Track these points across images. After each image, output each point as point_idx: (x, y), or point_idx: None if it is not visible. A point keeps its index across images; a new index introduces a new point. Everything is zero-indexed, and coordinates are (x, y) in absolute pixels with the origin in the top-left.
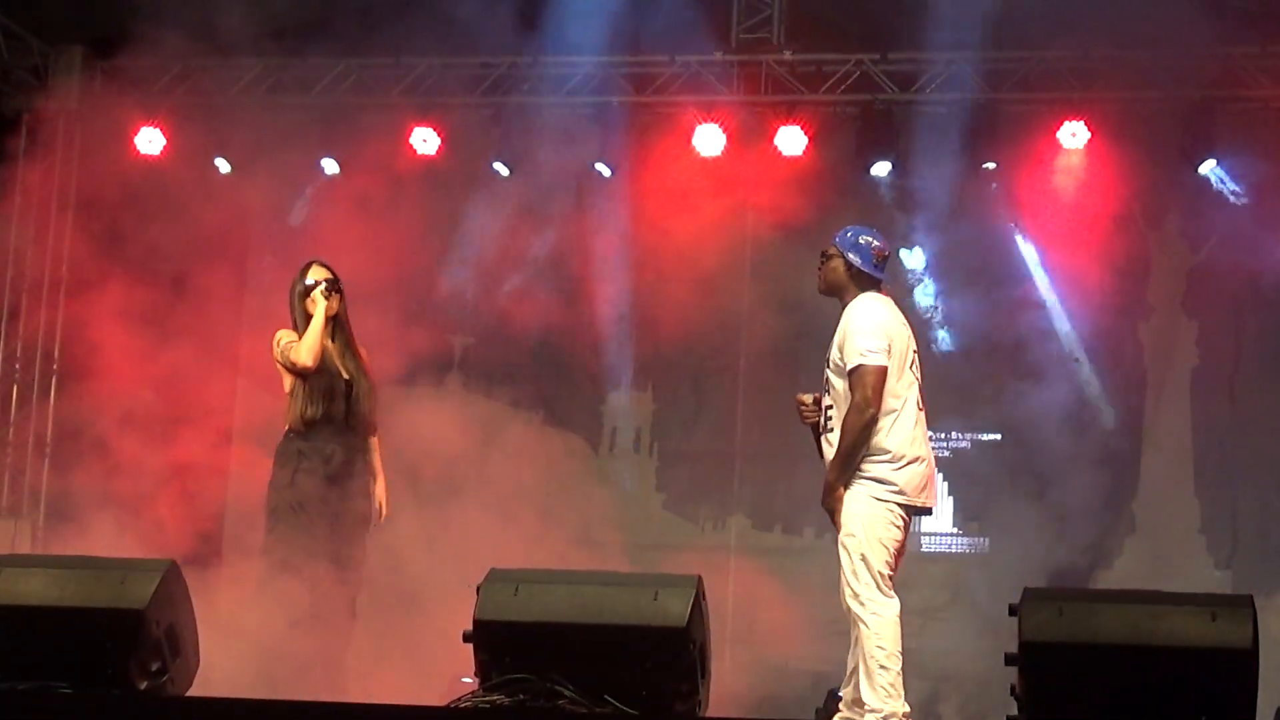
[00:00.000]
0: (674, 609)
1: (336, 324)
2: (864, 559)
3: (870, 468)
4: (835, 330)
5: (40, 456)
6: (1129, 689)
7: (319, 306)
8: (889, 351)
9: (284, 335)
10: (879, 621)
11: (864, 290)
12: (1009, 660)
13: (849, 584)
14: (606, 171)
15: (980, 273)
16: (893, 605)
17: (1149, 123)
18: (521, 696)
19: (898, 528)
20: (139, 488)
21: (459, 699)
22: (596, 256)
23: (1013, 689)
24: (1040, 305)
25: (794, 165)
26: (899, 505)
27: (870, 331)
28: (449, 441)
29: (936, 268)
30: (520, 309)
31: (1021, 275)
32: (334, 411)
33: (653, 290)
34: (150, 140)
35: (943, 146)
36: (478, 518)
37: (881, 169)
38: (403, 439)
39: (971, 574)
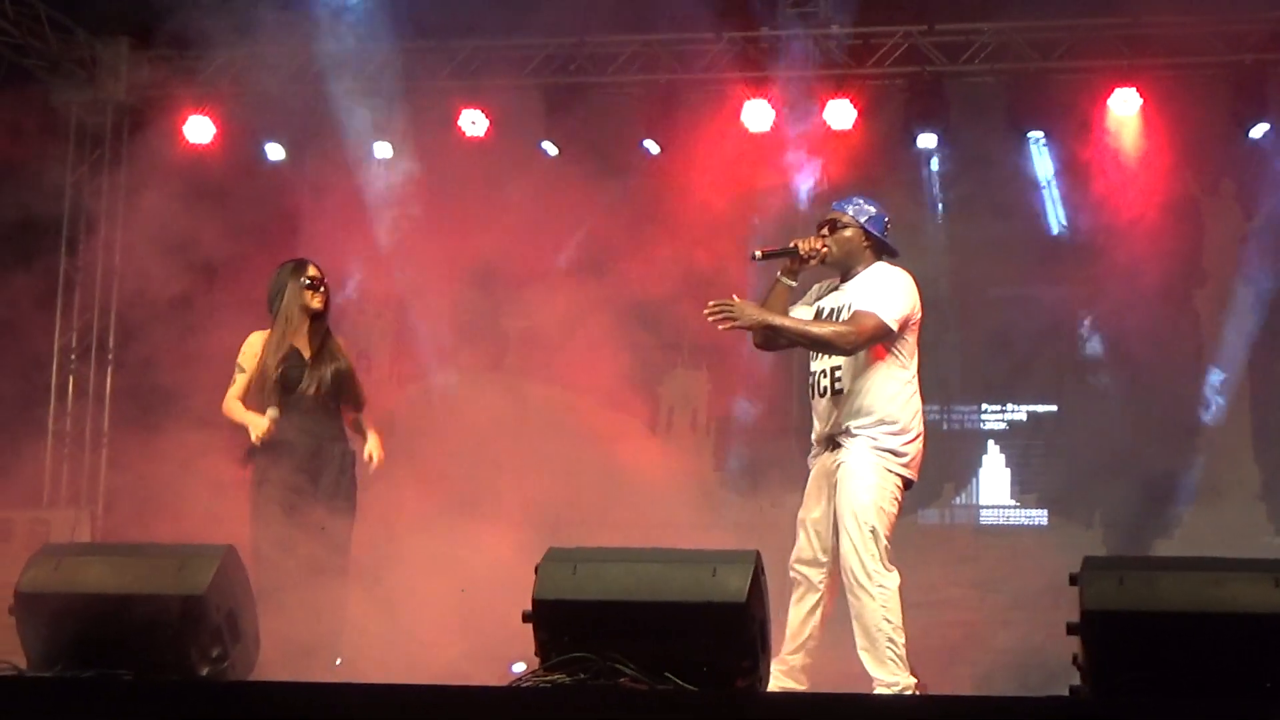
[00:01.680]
0: (733, 584)
1: (316, 317)
2: (873, 530)
3: (883, 438)
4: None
5: (98, 446)
6: (1192, 656)
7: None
8: (907, 328)
9: (252, 341)
10: (885, 594)
11: (879, 259)
12: (1070, 630)
13: (855, 554)
14: (655, 149)
15: (1032, 242)
16: (895, 578)
17: (1201, 88)
18: (582, 675)
19: (897, 500)
20: (196, 475)
21: (519, 678)
22: (646, 235)
23: (1075, 659)
24: (1093, 274)
25: (843, 139)
26: (902, 478)
27: (904, 300)
28: (505, 424)
29: (987, 239)
30: (571, 290)
31: (1073, 244)
32: (299, 404)
33: (704, 268)
34: (199, 128)
35: (992, 117)
36: (535, 500)
37: (931, 141)
38: (458, 423)
39: (1030, 546)
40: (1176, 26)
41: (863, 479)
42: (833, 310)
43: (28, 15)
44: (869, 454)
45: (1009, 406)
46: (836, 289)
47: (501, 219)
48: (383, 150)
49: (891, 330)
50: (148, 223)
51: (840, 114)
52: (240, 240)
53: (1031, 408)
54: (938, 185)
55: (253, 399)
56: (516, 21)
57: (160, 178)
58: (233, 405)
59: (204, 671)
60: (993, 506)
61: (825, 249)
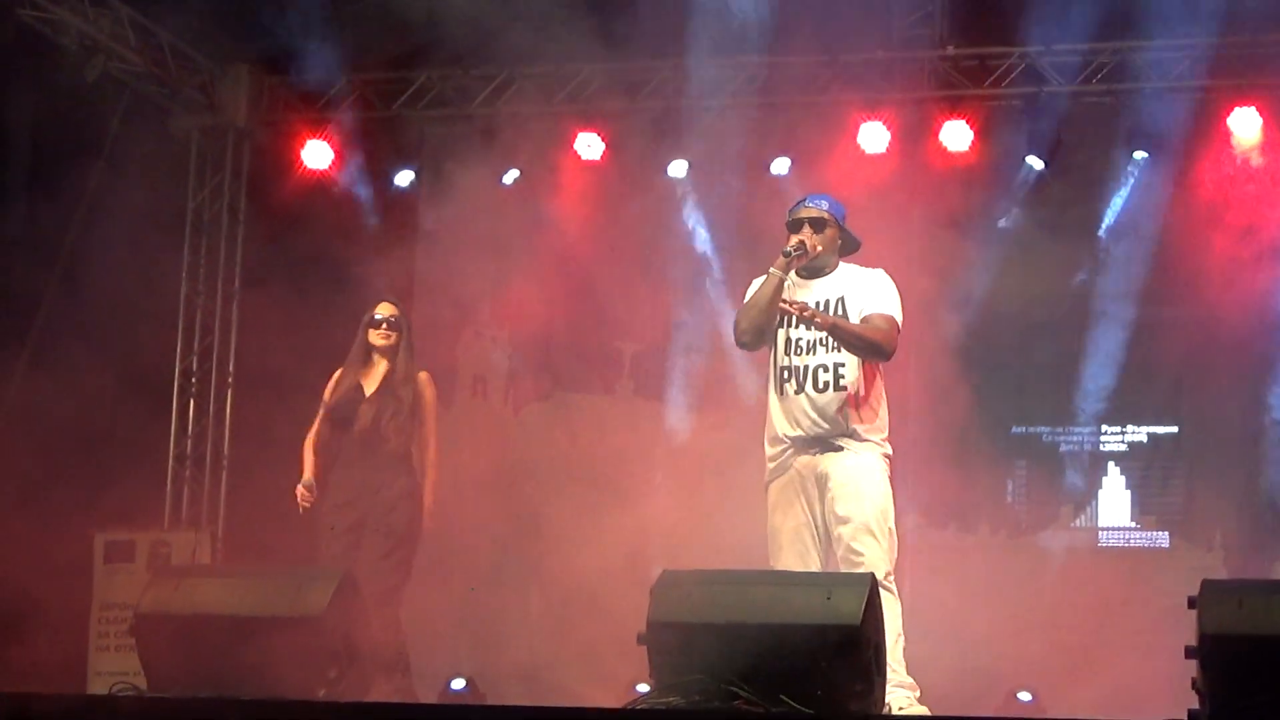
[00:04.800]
0: (848, 608)
1: (385, 354)
2: (891, 532)
3: (884, 444)
4: (833, 291)
5: (218, 469)
6: None
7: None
8: None
9: (335, 376)
10: (898, 596)
11: (843, 256)
12: (1189, 653)
13: (882, 558)
14: (772, 172)
15: (1151, 262)
16: None
17: None
18: (696, 698)
19: None
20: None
21: (634, 701)
22: (764, 258)
23: (1194, 682)
24: (1212, 295)
25: (960, 161)
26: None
27: (900, 302)
28: (621, 447)
29: (1106, 259)
30: (689, 314)
31: (1195, 264)
32: (352, 440)
33: None
34: (317, 154)
35: (1111, 137)
36: (651, 521)
37: (1046, 162)
38: (574, 445)
39: (1149, 568)
40: None
41: (878, 483)
42: (815, 304)
43: (150, 44)
44: (878, 459)
45: (1129, 428)
46: (801, 285)
47: (618, 242)
48: (505, 174)
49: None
50: (267, 247)
51: (956, 135)
52: (359, 265)
53: (1152, 429)
54: (1055, 205)
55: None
56: (631, 45)
57: (279, 203)
58: (305, 445)
59: (321, 693)
60: (1112, 529)
61: (818, 249)
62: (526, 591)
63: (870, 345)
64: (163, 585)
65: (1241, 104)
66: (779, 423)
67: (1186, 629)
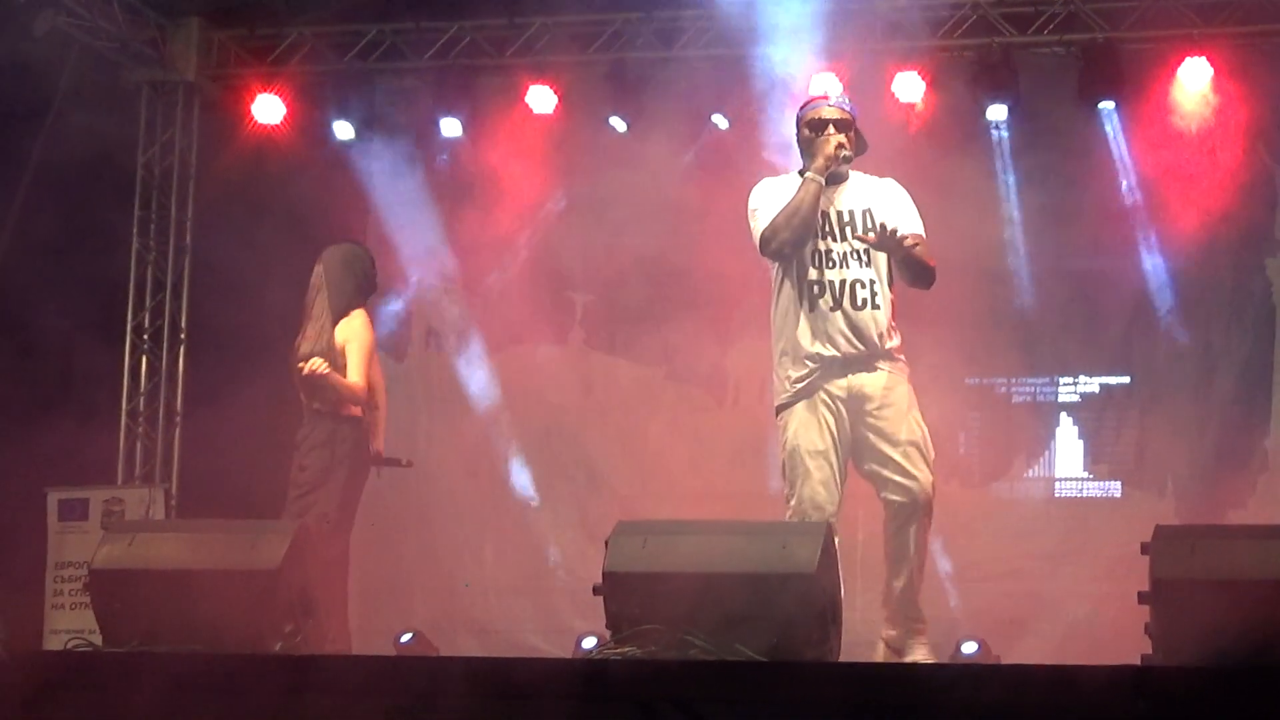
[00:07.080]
0: (802, 556)
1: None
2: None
3: (907, 367)
4: (855, 202)
5: (171, 426)
6: (1264, 624)
7: None
8: None
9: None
10: None
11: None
12: (1142, 599)
13: (930, 483)
14: (724, 124)
15: (1103, 213)
16: None
17: (1274, 58)
18: (652, 648)
19: None
20: (270, 453)
21: (590, 652)
22: (716, 210)
23: (1146, 627)
24: (1164, 245)
25: (911, 111)
26: None
27: None
28: (573, 397)
29: (1058, 210)
30: (641, 265)
31: (1144, 216)
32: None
33: None
34: (268, 108)
35: (1062, 88)
36: (602, 473)
37: (1000, 112)
38: (526, 396)
39: (1102, 517)
40: None
41: (914, 406)
42: (839, 214)
43: None
44: (908, 384)
45: (1082, 378)
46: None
47: (569, 193)
48: (450, 128)
49: None
50: (218, 202)
51: (908, 86)
52: (311, 219)
53: (1104, 379)
54: (1008, 157)
55: None
56: None
57: (230, 157)
58: None
59: (276, 646)
60: (1065, 478)
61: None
62: (480, 544)
63: (930, 274)
64: (117, 541)
65: (1192, 54)
66: (806, 341)
67: (1139, 576)
